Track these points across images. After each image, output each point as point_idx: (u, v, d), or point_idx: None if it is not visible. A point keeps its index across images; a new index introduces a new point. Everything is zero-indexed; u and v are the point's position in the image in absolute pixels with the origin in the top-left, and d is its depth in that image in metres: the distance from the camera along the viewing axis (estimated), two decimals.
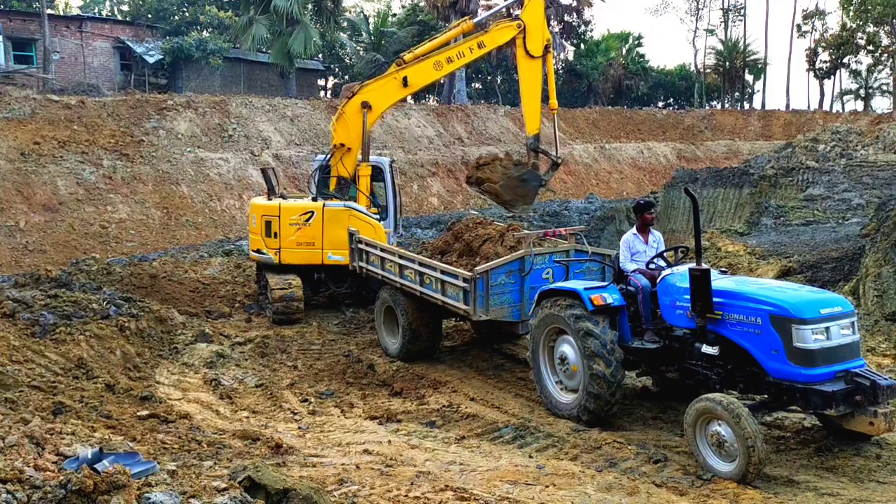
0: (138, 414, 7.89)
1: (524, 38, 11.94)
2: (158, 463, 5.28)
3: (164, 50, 38.90)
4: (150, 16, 45.30)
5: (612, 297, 7.53)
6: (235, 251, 19.82)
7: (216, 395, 9.10)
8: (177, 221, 25.22)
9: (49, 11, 37.47)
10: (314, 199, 13.35)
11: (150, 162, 26.95)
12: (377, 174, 13.65)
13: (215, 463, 6.41)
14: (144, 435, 7.20)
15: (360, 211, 12.89)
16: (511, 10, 13.89)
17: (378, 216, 13.24)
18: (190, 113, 30.35)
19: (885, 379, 6.14)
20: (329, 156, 13.46)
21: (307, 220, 13.26)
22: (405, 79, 12.55)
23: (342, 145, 13.04)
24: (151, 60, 39.15)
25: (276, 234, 13.31)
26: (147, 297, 13.11)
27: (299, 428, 7.88)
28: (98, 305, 10.96)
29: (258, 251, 13.77)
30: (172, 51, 38.46)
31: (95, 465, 4.28)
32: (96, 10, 51.52)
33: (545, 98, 12.63)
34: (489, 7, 49.30)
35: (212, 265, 17.30)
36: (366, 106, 12.67)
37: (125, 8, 51.80)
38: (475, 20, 13.53)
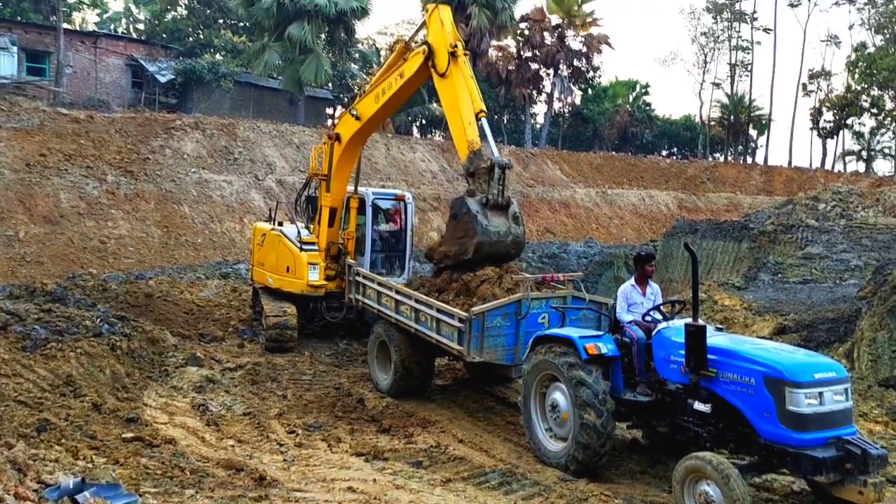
0: (123, 436, 7.84)
1: (432, 60, 10.64)
2: (140, 495, 5.21)
3: (177, 70, 39.28)
4: (164, 36, 45.81)
5: (606, 347, 7.50)
6: (233, 274, 19.82)
7: (203, 420, 9.03)
8: (176, 241, 25.25)
9: (65, 26, 37.89)
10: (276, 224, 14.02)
11: (154, 180, 27.06)
12: (360, 206, 13.19)
13: (197, 492, 6.36)
14: (128, 458, 7.14)
15: (287, 237, 13.14)
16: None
17: (301, 245, 12.89)
18: (197, 134, 30.56)
19: (877, 448, 6.10)
20: (308, 184, 13.86)
21: (261, 241, 13.92)
22: (354, 112, 12.30)
23: (316, 174, 13.29)
24: (163, 80, 39.50)
25: (250, 251, 13.86)
26: (141, 316, 13.08)
27: (284, 460, 7.80)
28: (91, 322, 10.92)
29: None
30: (184, 71, 38.84)
31: (77, 497, 4.22)
32: (112, 28, 52.12)
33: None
34: (500, 48, 50.13)
35: (208, 287, 17.29)
36: (334, 138, 12.73)
37: (141, 27, 52.40)
38: (407, 39, 12.35)
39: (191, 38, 46.77)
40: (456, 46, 10.44)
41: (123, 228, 24.50)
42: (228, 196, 28.75)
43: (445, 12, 10.93)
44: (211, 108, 37.99)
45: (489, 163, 9.93)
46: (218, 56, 43.74)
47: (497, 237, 9.74)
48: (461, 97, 10.29)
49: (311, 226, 13.54)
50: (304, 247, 12.91)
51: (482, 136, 10.18)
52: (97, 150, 26.78)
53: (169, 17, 48.11)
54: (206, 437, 8.40)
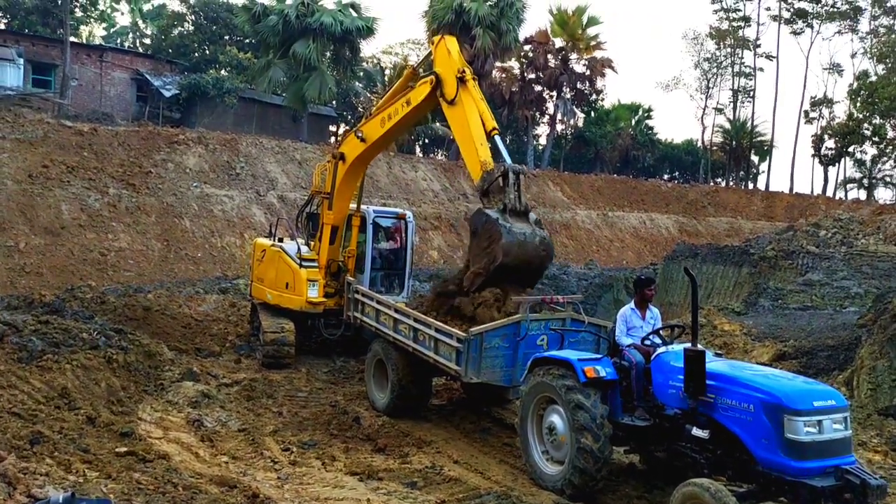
0: (116, 450, 7.79)
1: (441, 89, 10.65)
2: None
3: (181, 85, 39.49)
4: (170, 51, 46.11)
5: (605, 371, 7.46)
6: (232, 289, 19.77)
7: (197, 436, 8.98)
8: (176, 255, 25.24)
9: (72, 39, 38.12)
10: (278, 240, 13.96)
11: (156, 194, 27.11)
12: (361, 224, 13.26)
13: None
14: (120, 473, 7.09)
15: (287, 253, 13.14)
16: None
17: (300, 262, 12.90)
18: (200, 148, 30.65)
19: (876, 478, 6.04)
20: (310, 201, 13.92)
21: (261, 257, 13.91)
22: (360, 134, 12.29)
23: (318, 192, 13.30)
24: (167, 94, 39.70)
25: (250, 267, 13.79)
26: (138, 329, 13.03)
27: (278, 478, 7.74)
28: (88, 335, 10.88)
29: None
30: (189, 86, 39.04)
31: None
32: (118, 42, 52.47)
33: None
34: (504, 69, 50.38)
35: (207, 302, 17.25)
36: (338, 157, 12.71)
37: (147, 41, 52.77)
38: (416, 65, 12.65)
39: (196, 54, 47.07)
40: (464, 72, 10.46)
41: (124, 241, 24.50)
42: (229, 211, 28.78)
43: (452, 42, 11.01)
44: (214, 123, 38.14)
45: (503, 169, 9.73)
46: (223, 72, 44.00)
47: (524, 237, 9.43)
48: (472, 120, 10.21)
49: (312, 243, 13.53)
50: (304, 263, 12.90)
51: (496, 153, 10.06)
52: (100, 162, 26.85)
53: (175, 32, 48.46)
54: (200, 453, 8.34)
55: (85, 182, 25.57)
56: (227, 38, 48.70)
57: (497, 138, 10.26)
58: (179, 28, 48.89)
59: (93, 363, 9.93)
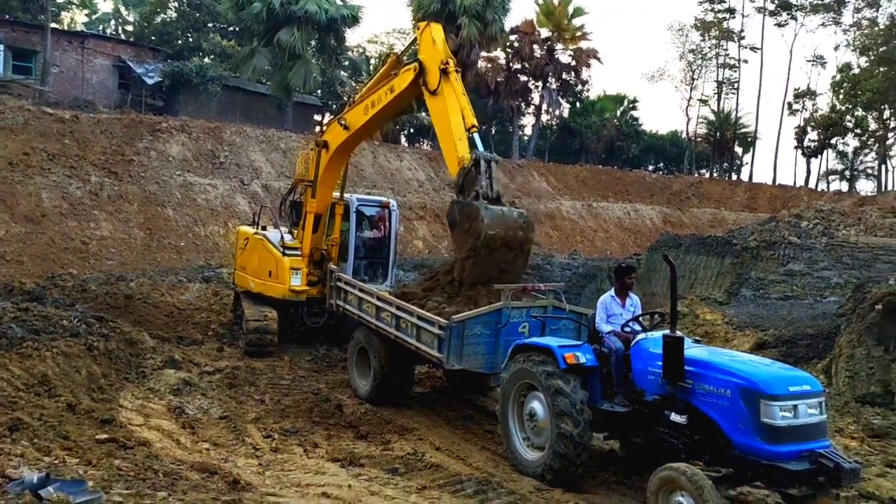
0: (97, 437, 7.74)
1: (423, 77, 10.58)
2: (107, 493, 5.14)
3: (164, 73, 39.14)
4: (153, 38, 45.66)
5: (585, 357, 7.51)
6: (215, 278, 19.70)
7: (179, 423, 8.96)
8: (159, 243, 25.08)
9: (53, 25, 37.67)
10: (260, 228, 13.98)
11: (139, 182, 26.90)
12: (344, 213, 13.29)
13: (169, 494, 6.29)
14: (100, 459, 7.06)
15: (270, 241, 13.12)
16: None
17: (283, 250, 12.91)
18: (183, 137, 30.43)
19: (849, 462, 6.13)
20: (293, 189, 13.91)
21: (244, 245, 13.86)
22: (343, 121, 12.24)
23: (302, 180, 13.32)
24: (150, 82, 39.35)
25: (233, 256, 13.76)
26: (120, 317, 12.96)
27: (259, 464, 7.75)
28: (69, 322, 10.80)
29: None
30: (172, 74, 38.70)
31: (39, 492, 4.17)
32: (100, 28, 51.89)
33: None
34: (490, 59, 50.31)
35: (189, 290, 17.19)
36: (321, 145, 12.70)
37: (129, 28, 52.20)
38: (399, 53, 12.61)
39: (179, 41, 46.66)
40: (447, 63, 10.37)
41: (106, 230, 24.31)
42: (213, 200, 28.61)
43: (437, 30, 10.93)
44: (198, 111, 37.86)
45: (474, 157, 9.74)
46: (206, 59, 43.64)
47: (502, 212, 9.48)
48: (452, 114, 10.14)
49: (295, 231, 13.50)
50: (287, 252, 12.87)
51: (474, 149, 10.00)
52: (81, 150, 26.59)
53: (158, 19, 47.96)
54: (182, 440, 8.33)
55: (66, 170, 25.32)
56: (210, 25, 48.30)
57: (476, 136, 10.14)
58: (162, 15, 48.39)
59: (73, 350, 9.86)
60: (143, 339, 11.98)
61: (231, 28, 47.10)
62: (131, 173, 27.03)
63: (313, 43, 40.08)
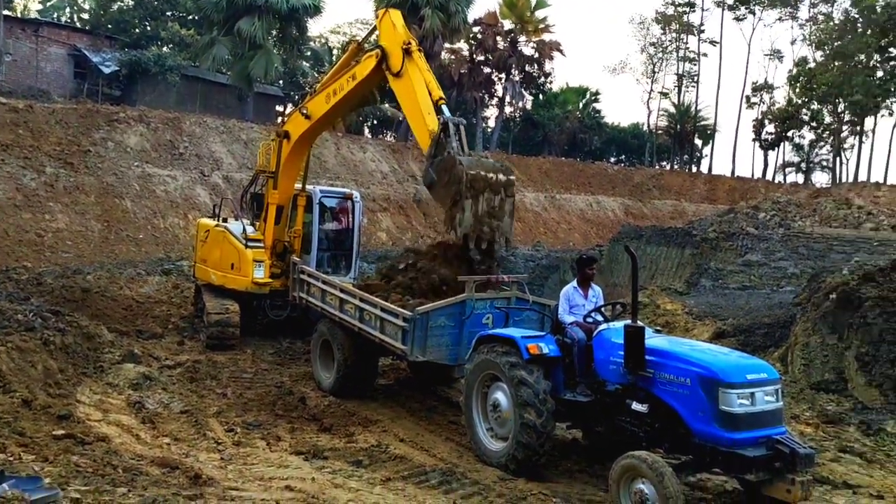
0: (54, 433, 7.59)
1: (386, 62, 10.58)
2: (64, 490, 5.05)
3: (121, 62, 38.33)
4: (109, 26, 44.67)
5: (548, 348, 7.57)
6: (175, 271, 19.41)
7: (138, 418, 8.82)
8: (117, 236, 24.62)
9: (6, 12, 36.65)
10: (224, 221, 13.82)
11: (95, 173, 26.35)
12: (307, 204, 13.19)
13: (129, 490, 6.20)
14: (58, 455, 6.93)
15: (232, 233, 13.01)
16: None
17: (247, 242, 12.77)
18: (141, 127, 29.88)
19: (805, 448, 6.28)
20: (255, 180, 13.66)
21: (205, 238, 13.67)
22: (304, 111, 12.13)
23: (263, 171, 13.18)
24: (107, 71, 38.53)
25: (193, 248, 13.61)
26: (77, 311, 12.70)
27: (221, 459, 7.67)
28: (23, 317, 10.54)
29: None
30: (129, 63, 37.92)
31: None
32: (55, 16, 50.61)
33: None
34: (453, 51, 50.25)
35: (149, 283, 16.92)
36: (282, 136, 12.58)
37: (85, 16, 51.00)
38: (360, 40, 12.53)
39: (137, 30, 45.71)
40: (409, 44, 10.34)
41: (62, 222, 23.79)
42: (173, 191, 28.17)
43: (396, 16, 10.92)
44: (156, 101, 37.18)
45: (441, 122, 9.62)
46: (165, 49, 42.85)
47: (478, 158, 9.48)
48: (419, 90, 10.09)
49: (257, 223, 13.36)
50: (250, 244, 12.74)
51: (440, 115, 9.87)
52: (36, 140, 25.94)
53: (115, 7, 46.91)
54: (141, 435, 8.21)
55: (20, 161, 24.69)
56: (169, 13, 47.41)
57: (444, 107, 10.02)
58: (119, 3, 47.34)
59: (28, 345, 9.63)
60: (101, 333, 11.76)
61: (190, 17, 46.31)
62: (88, 164, 26.47)
63: (274, 32, 39.56)
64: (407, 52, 10.31)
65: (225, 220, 13.98)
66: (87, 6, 51.90)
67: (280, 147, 12.59)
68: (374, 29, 11.40)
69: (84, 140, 27.40)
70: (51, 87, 36.00)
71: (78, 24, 48.10)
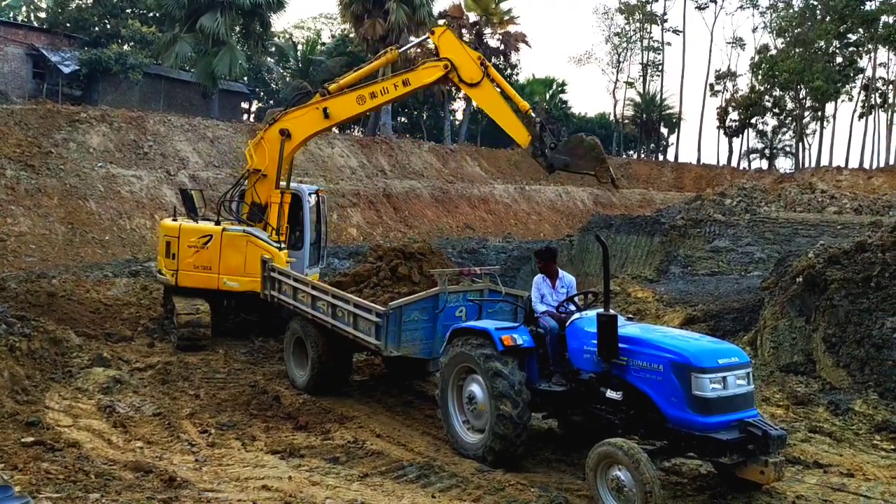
0: (22, 440, 7.47)
1: (457, 73, 11.42)
2: (35, 498, 4.95)
3: (81, 61, 37.61)
4: (68, 25, 43.78)
5: (522, 339, 7.59)
6: (143, 272, 19.12)
7: (109, 422, 8.68)
8: (82, 238, 24.20)
9: None
10: (217, 223, 13.15)
11: (58, 175, 25.85)
12: (295, 203, 13.47)
13: (102, 495, 6.13)
14: (27, 463, 6.82)
15: (258, 237, 12.66)
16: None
17: (278, 245, 12.71)
18: (104, 127, 29.37)
19: (776, 430, 6.38)
20: (242, 180, 13.25)
21: (205, 243, 12.99)
22: (326, 110, 12.23)
23: (257, 171, 12.82)
24: (67, 70, 37.80)
25: (174, 255, 13.04)
26: (42, 316, 12.45)
27: (196, 461, 7.58)
28: None
29: (160, 272, 13.53)
30: (90, 62, 37.22)
31: None
32: (11, 15, 49.50)
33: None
34: (419, 44, 50.10)
35: (116, 286, 16.64)
36: (284, 134, 12.46)
37: (42, 15, 49.93)
38: (402, 49, 13.40)
39: (96, 28, 44.90)
40: (483, 58, 11.46)
41: (24, 225, 23.31)
42: (138, 192, 27.74)
43: (451, 33, 11.86)
44: (118, 100, 36.58)
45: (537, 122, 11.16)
46: (126, 47, 42.10)
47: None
48: (502, 102, 11.40)
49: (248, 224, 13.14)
50: (282, 246, 12.63)
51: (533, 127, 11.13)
52: None
53: (73, 5, 45.98)
54: (113, 440, 8.08)
55: None
56: (129, 11, 46.56)
57: (532, 115, 11.36)
58: (77, 1, 46.45)
59: None
60: (69, 338, 11.55)
61: (151, 14, 45.54)
62: (49, 166, 25.96)
63: (238, 28, 39.14)
64: (483, 65, 11.34)
65: (206, 220, 13.79)
66: (43, 4, 50.75)
67: (282, 146, 12.47)
68: (419, 43, 13.21)
69: (45, 141, 26.88)
70: (8, 87, 35.21)
71: (35, 23, 47.05)
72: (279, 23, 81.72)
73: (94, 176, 26.88)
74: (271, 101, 55.41)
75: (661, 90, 63.58)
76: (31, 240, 22.86)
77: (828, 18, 50.27)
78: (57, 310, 13.49)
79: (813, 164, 53.91)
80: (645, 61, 63.36)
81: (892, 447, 8.34)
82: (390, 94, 11.96)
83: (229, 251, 12.78)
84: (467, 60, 11.33)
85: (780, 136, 64.52)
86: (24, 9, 50.88)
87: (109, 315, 14.23)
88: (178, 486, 6.55)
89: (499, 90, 11.42)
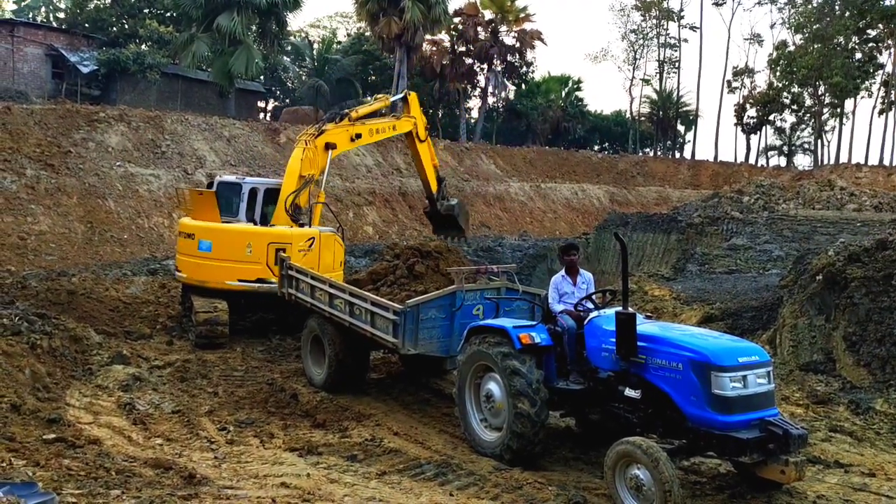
0: (44, 437, 7.52)
1: (416, 129, 15.36)
2: (58, 494, 5.00)
3: (100, 61, 37.91)
4: (86, 25, 44.16)
5: (539, 337, 7.57)
6: (161, 270, 19.25)
7: (129, 420, 8.75)
8: (101, 237, 24.40)
9: None
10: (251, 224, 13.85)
11: (77, 174, 26.08)
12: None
13: (123, 492, 6.15)
14: (49, 460, 6.86)
15: (341, 236, 14.03)
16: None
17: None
18: (122, 126, 29.58)
19: (797, 428, 6.33)
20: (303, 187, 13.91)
21: (310, 245, 13.25)
22: (357, 135, 14.57)
23: (311, 177, 13.84)
24: (85, 70, 38.12)
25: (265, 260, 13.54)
26: (63, 314, 12.58)
27: (215, 458, 7.62)
28: (9, 321, 10.41)
29: (261, 280, 12.94)
30: (108, 62, 37.52)
31: None
32: (31, 16, 49.99)
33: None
34: (435, 42, 50.12)
35: (135, 284, 16.75)
36: (330, 146, 13.85)
37: (61, 15, 50.38)
38: (393, 99, 16.47)
39: (115, 28, 45.24)
40: (429, 125, 15.75)
41: (44, 224, 23.53)
42: (156, 190, 27.93)
43: (416, 99, 15.96)
44: (136, 100, 36.85)
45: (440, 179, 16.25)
46: (144, 47, 42.42)
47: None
48: (431, 158, 15.97)
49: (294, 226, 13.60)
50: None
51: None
52: (15, 142, 25.61)
53: (91, 5, 46.37)
54: (133, 437, 8.15)
55: (0, 163, 24.40)
56: (146, 11, 46.90)
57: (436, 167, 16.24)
58: (95, 1, 46.82)
59: (15, 349, 9.54)
60: (89, 335, 11.66)
61: (168, 14, 45.86)
62: (69, 165, 26.18)
63: (254, 28, 39.28)
64: (428, 131, 15.75)
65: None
66: (62, 5, 51.28)
67: (329, 156, 13.91)
68: (403, 99, 16.01)
69: (64, 141, 27.11)
70: (28, 87, 35.60)
71: (54, 24, 47.52)
72: (295, 22, 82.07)
73: (112, 175, 27.09)
74: (287, 100, 55.65)
75: (678, 87, 63.16)
76: (51, 238, 23.08)
77: (847, 14, 49.72)
78: (77, 308, 13.62)
79: (832, 161, 53.37)
80: (661, 58, 63.02)
81: None
82: (383, 133, 15.41)
83: (325, 251, 13.45)
84: (422, 122, 15.60)
85: (798, 132, 63.97)
86: (43, 9, 51.43)
87: (128, 313, 14.35)
88: (197, 483, 6.58)
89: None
